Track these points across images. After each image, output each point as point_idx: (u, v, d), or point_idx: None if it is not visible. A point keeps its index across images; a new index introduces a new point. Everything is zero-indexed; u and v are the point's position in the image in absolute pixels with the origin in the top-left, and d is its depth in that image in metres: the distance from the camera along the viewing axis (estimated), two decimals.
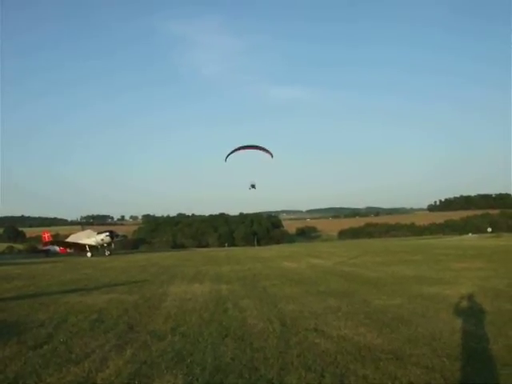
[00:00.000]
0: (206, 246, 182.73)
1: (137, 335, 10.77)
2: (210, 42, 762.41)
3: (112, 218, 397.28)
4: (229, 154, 30.00)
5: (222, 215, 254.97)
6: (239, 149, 29.89)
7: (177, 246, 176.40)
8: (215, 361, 8.44)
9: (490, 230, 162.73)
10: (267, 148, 30.53)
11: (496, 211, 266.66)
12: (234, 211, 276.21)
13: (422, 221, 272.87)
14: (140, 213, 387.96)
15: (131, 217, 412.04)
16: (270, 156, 30.32)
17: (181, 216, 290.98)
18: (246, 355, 8.75)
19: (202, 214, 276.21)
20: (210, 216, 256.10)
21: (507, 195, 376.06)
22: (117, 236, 78.75)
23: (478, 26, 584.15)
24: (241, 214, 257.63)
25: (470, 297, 14.69)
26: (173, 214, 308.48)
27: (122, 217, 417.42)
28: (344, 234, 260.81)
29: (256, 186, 30.52)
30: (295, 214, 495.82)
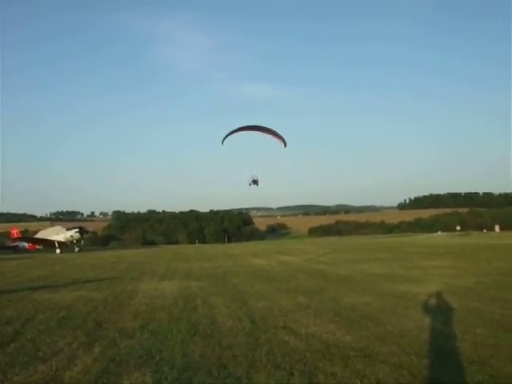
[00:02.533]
0: (177, 242, 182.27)
1: (105, 332, 10.69)
2: (183, 40, 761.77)
3: (82, 214, 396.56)
4: (227, 136, 25.28)
5: (192, 212, 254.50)
6: (241, 129, 25.08)
7: (147, 242, 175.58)
8: (184, 358, 8.42)
9: (458, 228, 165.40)
10: (279, 133, 25.46)
11: (465, 210, 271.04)
12: (204, 208, 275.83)
13: (391, 219, 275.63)
14: (110, 209, 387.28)
15: (101, 213, 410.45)
16: (281, 143, 25.47)
17: (151, 212, 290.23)
18: (215, 353, 8.75)
19: (173, 210, 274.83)
20: (181, 213, 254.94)
21: (476, 194, 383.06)
22: (86, 232, 78.02)
23: (472, 24, 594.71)
24: (211, 211, 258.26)
25: (439, 295, 14.90)
26: (143, 210, 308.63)
27: (92, 213, 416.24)
28: (314, 232, 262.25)
29: (258, 182, 26.41)
30: (266, 212, 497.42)
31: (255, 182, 26.33)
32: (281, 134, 25.15)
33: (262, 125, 25.64)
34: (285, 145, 25.47)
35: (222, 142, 25.34)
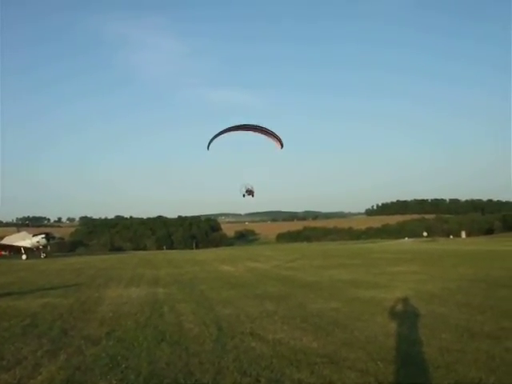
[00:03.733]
0: (144, 248, 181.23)
1: (71, 340, 10.55)
2: (153, 45, 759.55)
3: (48, 219, 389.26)
4: (213, 138, 22.20)
5: (160, 218, 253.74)
6: (229, 130, 21.98)
7: (114, 248, 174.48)
8: (150, 366, 8.36)
9: (425, 234, 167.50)
10: (274, 132, 22.45)
11: (431, 216, 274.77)
12: (172, 214, 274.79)
13: (359, 225, 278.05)
14: (77, 215, 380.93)
15: (68, 219, 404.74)
16: (277, 145, 22.54)
17: (118, 218, 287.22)
18: (182, 360, 8.70)
19: (140, 216, 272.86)
20: (148, 219, 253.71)
21: (442, 200, 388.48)
22: (53, 238, 76.87)
23: (467, 28, 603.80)
24: (179, 217, 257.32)
25: (405, 300, 15.07)
26: (110, 216, 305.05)
27: (59, 218, 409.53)
28: (282, 238, 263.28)
29: (253, 193, 23.46)
30: (234, 218, 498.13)
31: (250, 192, 23.59)
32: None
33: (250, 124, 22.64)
34: (281, 146, 22.55)
35: (208, 147, 22.35)
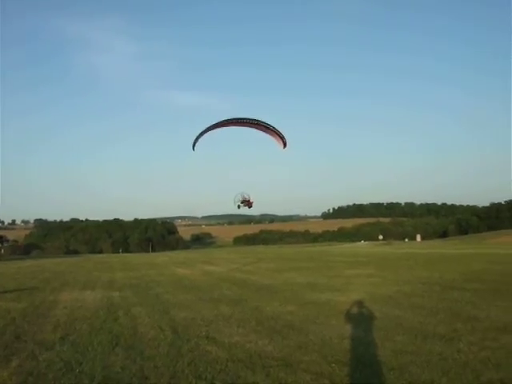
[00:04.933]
0: (100, 252, 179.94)
1: (24, 345, 10.38)
2: (110, 46, 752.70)
3: (2, 222, 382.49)
4: (199, 137, 19.14)
5: (116, 221, 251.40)
6: (223, 124, 18.96)
7: (70, 251, 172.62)
8: (104, 370, 8.29)
9: (381, 237, 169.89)
10: (276, 129, 19.49)
11: (387, 219, 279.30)
12: (128, 216, 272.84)
13: (315, 228, 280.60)
14: (32, 217, 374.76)
15: (22, 221, 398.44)
16: (280, 143, 19.79)
17: (74, 221, 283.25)
18: (136, 364, 8.66)
19: (96, 219, 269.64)
20: (104, 221, 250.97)
21: (398, 204, 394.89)
22: (7, 241, 75.89)
23: (449, 29, 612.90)
24: (135, 220, 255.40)
25: (360, 303, 15.25)
26: (66, 218, 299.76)
27: (13, 221, 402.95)
28: (239, 241, 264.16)
29: (252, 203, 21.04)
30: (191, 220, 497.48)
31: (247, 202, 20.83)
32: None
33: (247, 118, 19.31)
34: (284, 144, 19.73)
35: (193, 147, 19.21)
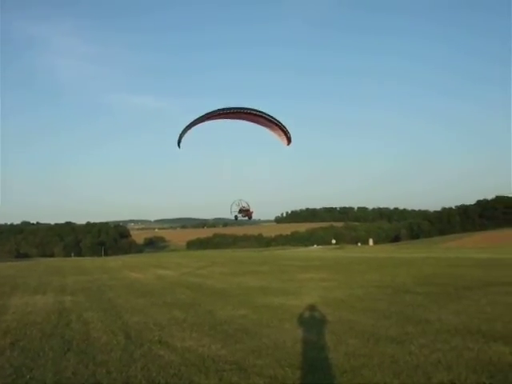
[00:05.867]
0: (52, 255, 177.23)
1: None
2: (67, 48, 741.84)
3: None
4: (185, 131, 16.81)
5: (68, 224, 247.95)
6: (213, 117, 16.43)
7: (20, 255, 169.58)
8: (56, 376, 8.19)
9: (334, 241, 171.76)
10: (280, 122, 17.09)
11: (340, 224, 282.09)
12: (80, 220, 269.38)
13: (269, 232, 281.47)
14: None
15: None
16: (283, 139, 17.73)
17: (25, 224, 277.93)
18: (89, 370, 8.57)
19: (48, 222, 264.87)
20: (56, 225, 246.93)
21: (350, 208, 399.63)
22: None
23: (424, 28, 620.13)
24: (88, 223, 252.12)
25: (314, 307, 15.37)
26: (16, 221, 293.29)
27: None
28: (192, 245, 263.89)
29: (251, 213, 18.51)
30: (143, 224, 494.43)
31: (245, 212, 18.52)
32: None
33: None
34: (288, 140, 17.64)
35: (179, 144, 17.07)
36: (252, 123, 17.44)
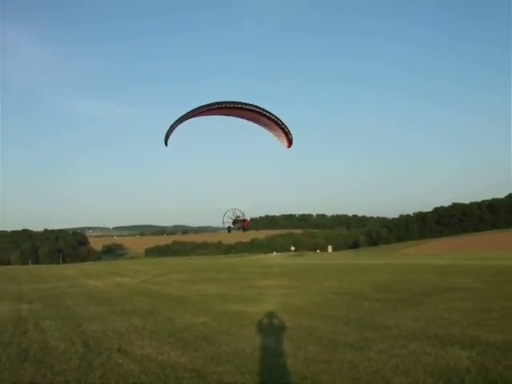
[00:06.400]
0: (8, 263, 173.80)
1: None
2: (25, 52, 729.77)
3: None
4: (173, 127, 14.86)
5: (25, 231, 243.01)
6: (204, 112, 14.70)
7: None
8: None
9: (293, 248, 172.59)
10: (280, 120, 15.54)
11: (299, 231, 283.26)
12: (37, 227, 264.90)
13: (228, 239, 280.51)
14: None
15: None
16: (284, 141, 16.22)
17: None
18: (46, 379, 8.47)
19: (3, 229, 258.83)
20: (13, 232, 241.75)
21: (309, 216, 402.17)
22: None
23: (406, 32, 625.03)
24: (45, 231, 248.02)
25: (273, 314, 15.40)
26: None
27: None
28: (151, 252, 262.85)
29: (247, 223, 17.19)
30: (102, 231, 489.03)
31: (240, 223, 16.82)
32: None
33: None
34: (289, 142, 16.18)
35: (166, 142, 15.14)
36: (247, 121, 15.88)
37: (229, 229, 17.20)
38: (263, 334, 12.31)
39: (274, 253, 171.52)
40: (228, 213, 16.83)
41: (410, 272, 34.46)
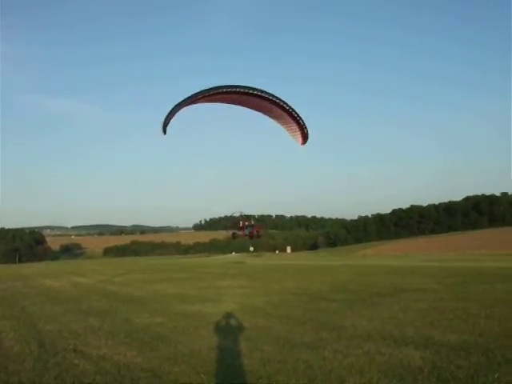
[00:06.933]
0: None
1: None
2: None
3: None
4: (173, 112, 13.23)
5: None
6: (208, 96, 13.12)
7: None
8: None
9: (252, 249, 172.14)
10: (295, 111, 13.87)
11: None
12: None
13: (187, 239, 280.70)
14: None
15: None
16: (298, 136, 14.54)
17: None
18: (0, 380, 8.37)
19: None
20: None
21: (269, 216, 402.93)
22: None
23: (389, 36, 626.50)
24: (1, 229, 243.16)
25: (230, 314, 15.43)
26: None
27: None
28: (110, 252, 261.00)
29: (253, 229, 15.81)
30: (60, 231, 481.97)
31: (250, 229, 15.18)
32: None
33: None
34: (304, 138, 14.42)
35: (164, 130, 13.39)
36: (257, 112, 14.25)
37: (233, 235, 16.55)
38: (220, 334, 12.33)
39: (233, 253, 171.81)
40: (235, 214, 15.38)
41: (368, 273, 34.87)
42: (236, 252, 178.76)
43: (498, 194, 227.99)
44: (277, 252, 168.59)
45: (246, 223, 15.24)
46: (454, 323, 12.79)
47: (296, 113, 13.74)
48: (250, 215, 15.02)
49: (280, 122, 14.46)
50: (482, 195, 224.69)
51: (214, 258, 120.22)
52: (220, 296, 21.22)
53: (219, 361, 9.45)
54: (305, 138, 14.45)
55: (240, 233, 15.66)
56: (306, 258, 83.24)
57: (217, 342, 11.30)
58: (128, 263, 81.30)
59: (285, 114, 13.87)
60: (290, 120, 14.00)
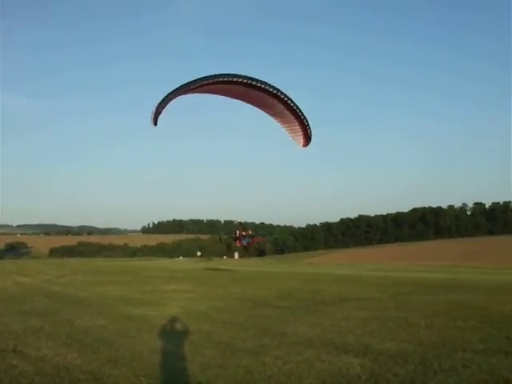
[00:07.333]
0: None
1: None
2: None
3: None
4: (165, 101, 12.69)
5: None
6: (206, 84, 12.64)
7: None
8: None
9: (199, 253, 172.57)
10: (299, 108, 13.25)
11: (206, 236, 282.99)
12: None
13: (135, 242, 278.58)
14: None
15: None
16: (300, 138, 13.85)
17: None
18: None
19: None
20: None
21: (218, 221, 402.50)
22: None
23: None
24: None
25: (174, 318, 15.43)
26: None
27: None
28: (56, 252, 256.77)
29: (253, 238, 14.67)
30: (4, 229, 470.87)
31: (248, 238, 14.32)
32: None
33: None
34: (307, 140, 13.71)
35: (155, 121, 12.93)
36: (257, 108, 13.25)
37: (228, 245, 14.49)
38: (163, 337, 12.35)
39: (181, 257, 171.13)
40: (235, 223, 13.82)
41: (314, 281, 35.13)
42: (183, 256, 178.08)
43: (444, 206, 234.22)
44: (224, 257, 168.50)
45: (244, 233, 13.64)
46: (394, 332, 13.05)
47: (300, 111, 13.12)
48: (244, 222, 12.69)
49: (280, 121, 13.77)
50: (429, 207, 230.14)
51: (161, 261, 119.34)
52: (165, 300, 21.14)
53: (160, 364, 9.49)
54: (308, 139, 13.90)
55: (236, 243, 14.18)
56: (253, 265, 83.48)
57: (159, 345, 11.33)
58: (74, 264, 79.85)
59: (287, 111, 13.07)
60: (292, 119, 13.31)
